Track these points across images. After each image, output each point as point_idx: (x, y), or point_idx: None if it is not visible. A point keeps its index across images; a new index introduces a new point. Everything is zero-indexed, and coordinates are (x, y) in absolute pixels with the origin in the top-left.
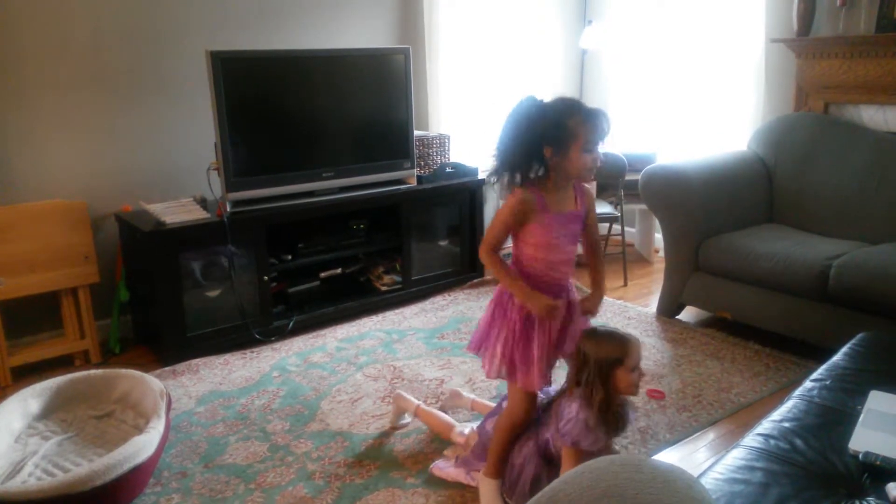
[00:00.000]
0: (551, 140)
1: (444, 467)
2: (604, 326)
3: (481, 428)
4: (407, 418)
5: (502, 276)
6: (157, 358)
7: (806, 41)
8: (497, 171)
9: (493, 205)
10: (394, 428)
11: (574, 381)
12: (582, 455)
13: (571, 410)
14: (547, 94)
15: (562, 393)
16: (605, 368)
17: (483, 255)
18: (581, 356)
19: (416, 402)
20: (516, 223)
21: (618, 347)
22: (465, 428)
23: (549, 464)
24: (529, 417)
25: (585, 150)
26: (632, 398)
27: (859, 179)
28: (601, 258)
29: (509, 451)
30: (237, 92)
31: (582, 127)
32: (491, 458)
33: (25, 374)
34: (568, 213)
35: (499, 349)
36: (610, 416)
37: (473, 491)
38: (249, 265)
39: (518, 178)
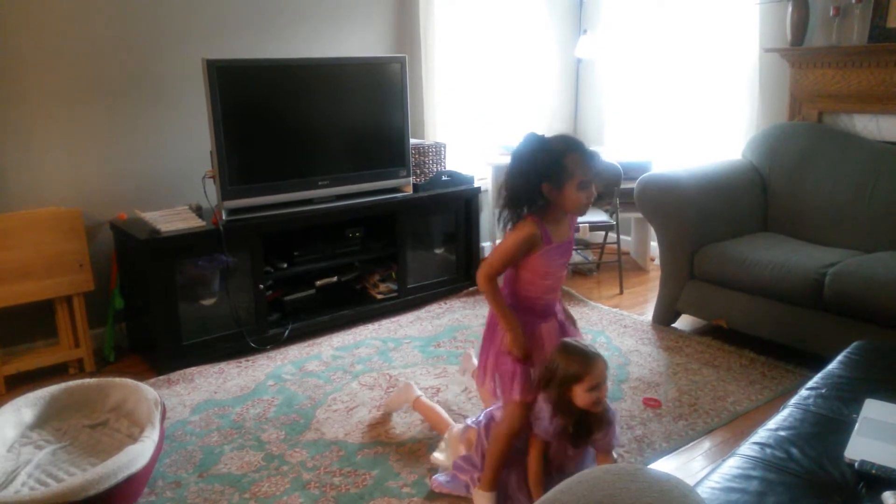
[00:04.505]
0: (549, 177)
1: (444, 482)
2: (578, 342)
3: (484, 430)
4: (401, 409)
5: (496, 303)
6: (151, 366)
7: (800, 51)
8: (505, 206)
9: (489, 213)
10: (385, 413)
11: (543, 381)
12: (543, 445)
13: (539, 402)
14: (548, 130)
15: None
16: (565, 382)
17: (482, 280)
18: (551, 365)
19: (419, 393)
20: (521, 255)
21: (581, 366)
22: (460, 427)
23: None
24: (524, 425)
25: (580, 188)
26: (628, 408)
27: (853, 188)
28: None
29: (505, 463)
30: (233, 100)
31: (578, 166)
32: (487, 469)
33: (19, 383)
34: (564, 243)
35: (490, 365)
36: (571, 421)
37: (471, 500)
38: (245, 273)
39: (524, 211)
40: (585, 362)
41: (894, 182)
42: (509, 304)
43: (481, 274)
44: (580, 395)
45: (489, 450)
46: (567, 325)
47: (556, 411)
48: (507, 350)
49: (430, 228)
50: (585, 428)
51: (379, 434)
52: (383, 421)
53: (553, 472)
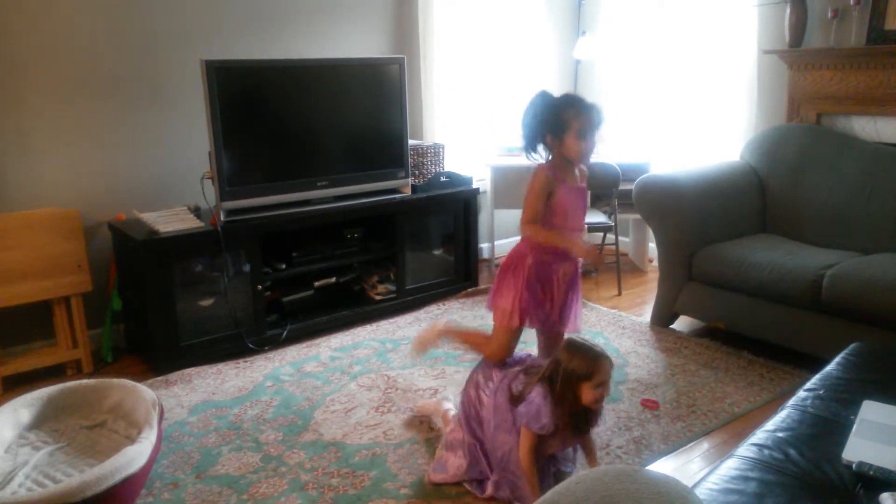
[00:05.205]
0: (550, 128)
1: (439, 469)
2: (584, 340)
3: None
4: (437, 423)
5: (548, 236)
6: (149, 367)
7: (798, 52)
8: (523, 147)
9: (488, 214)
10: (416, 414)
11: (545, 376)
12: (536, 438)
13: (532, 396)
14: (557, 91)
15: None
16: (572, 380)
17: (526, 226)
18: (555, 361)
19: (449, 407)
20: (546, 195)
21: (588, 364)
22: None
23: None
24: (504, 355)
25: (578, 138)
26: (626, 409)
27: (851, 190)
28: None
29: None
30: (232, 101)
31: (575, 118)
32: (463, 335)
33: (17, 384)
34: (577, 187)
35: (510, 301)
36: (571, 416)
37: (469, 499)
38: (243, 274)
39: (536, 151)
40: (593, 361)
41: (892, 183)
42: (535, 247)
43: (524, 222)
44: (587, 392)
45: (469, 337)
46: (578, 277)
47: (560, 407)
48: (532, 274)
49: (429, 229)
50: (584, 420)
51: (377, 435)
52: (381, 422)
53: (539, 459)
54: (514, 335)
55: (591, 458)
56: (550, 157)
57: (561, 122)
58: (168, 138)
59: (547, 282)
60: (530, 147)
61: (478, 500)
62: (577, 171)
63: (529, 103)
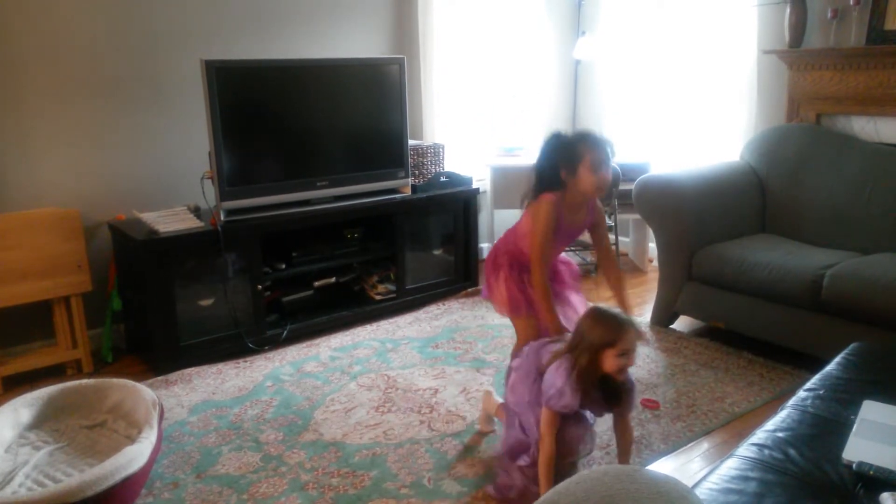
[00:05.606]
0: (564, 162)
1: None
2: (609, 308)
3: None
4: (495, 423)
5: (543, 293)
6: (149, 367)
7: (797, 53)
8: (533, 191)
9: (488, 214)
10: (481, 433)
11: (570, 346)
12: (556, 417)
13: (553, 372)
14: (546, 132)
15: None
16: (594, 346)
17: (537, 268)
18: (578, 329)
19: (500, 400)
20: (553, 230)
21: (611, 331)
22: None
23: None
24: (526, 342)
25: (592, 171)
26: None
27: (851, 189)
28: (615, 264)
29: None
30: (232, 101)
31: (588, 151)
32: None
33: (17, 384)
34: (576, 225)
35: (504, 293)
36: (590, 387)
37: (468, 499)
38: (243, 274)
39: (543, 191)
40: (618, 328)
41: (892, 183)
42: (509, 262)
43: (535, 265)
44: (610, 360)
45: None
46: (564, 287)
47: (582, 377)
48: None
49: (429, 229)
50: (611, 395)
51: (377, 435)
52: (381, 422)
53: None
54: (527, 323)
55: (623, 456)
56: (562, 191)
57: (574, 155)
58: (168, 138)
59: (525, 299)
60: (545, 187)
61: (477, 501)
62: (586, 210)
63: (542, 144)
